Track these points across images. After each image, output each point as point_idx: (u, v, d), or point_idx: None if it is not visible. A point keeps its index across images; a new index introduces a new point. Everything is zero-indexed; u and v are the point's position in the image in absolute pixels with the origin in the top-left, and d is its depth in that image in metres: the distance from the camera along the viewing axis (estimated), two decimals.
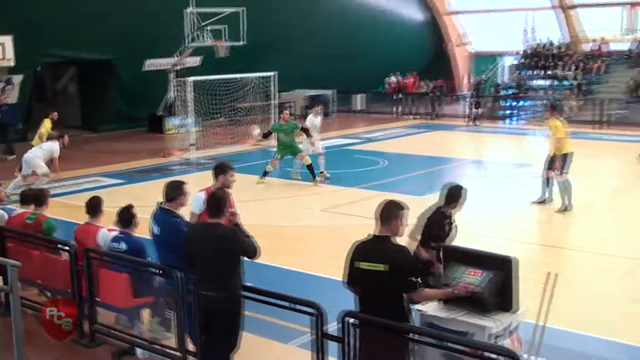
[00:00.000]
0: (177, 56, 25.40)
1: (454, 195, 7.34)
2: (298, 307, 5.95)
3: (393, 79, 34.61)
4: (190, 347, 6.67)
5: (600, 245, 11.52)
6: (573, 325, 7.85)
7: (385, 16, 35.47)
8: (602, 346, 7.54)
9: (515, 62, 34.88)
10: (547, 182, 14.11)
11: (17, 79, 23.05)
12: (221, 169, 7.60)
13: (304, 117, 21.24)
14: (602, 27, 33.56)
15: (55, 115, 17.99)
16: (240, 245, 6.15)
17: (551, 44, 34.58)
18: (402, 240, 5.73)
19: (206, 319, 6.12)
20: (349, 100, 33.34)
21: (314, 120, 17.75)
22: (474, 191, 16.15)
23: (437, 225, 7.25)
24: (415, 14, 37.72)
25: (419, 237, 7.26)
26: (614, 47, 33.06)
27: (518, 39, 35.34)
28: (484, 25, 37.58)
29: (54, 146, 15.60)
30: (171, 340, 7.00)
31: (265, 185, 16.44)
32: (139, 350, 7.38)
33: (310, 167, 16.47)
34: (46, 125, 17.22)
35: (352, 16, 33.14)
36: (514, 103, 31.50)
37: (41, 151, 15.53)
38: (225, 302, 6.06)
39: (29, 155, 15.44)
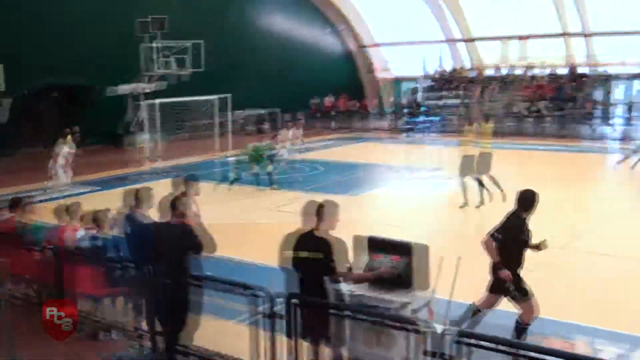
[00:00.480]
0: (147, 81, 25.04)
1: (528, 200, 6.49)
2: (250, 291, 5.92)
3: (328, 98, 34.75)
4: (157, 328, 6.56)
5: None
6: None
7: (323, 48, 35.82)
8: (501, 315, 7.65)
9: (427, 84, 35.38)
10: (480, 184, 13.74)
11: (7, 102, 22.39)
12: (191, 179, 7.67)
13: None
14: (500, 56, 34.33)
15: (75, 129, 17.89)
16: (194, 241, 6.11)
17: (455, 69, 35.16)
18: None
19: (167, 302, 6.05)
20: (292, 117, 33.33)
21: (296, 132, 18.84)
22: (399, 190, 16.52)
23: (515, 227, 6.49)
24: (346, 46, 38.01)
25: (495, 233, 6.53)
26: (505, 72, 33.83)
27: (430, 66, 35.89)
28: (402, 54, 37.83)
29: (64, 149, 16.59)
30: (141, 323, 6.90)
31: (223, 190, 16.27)
32: (113, 333, 7.24)
33: (270, 174, 16.45)
34: (68, 140, 17.02)
35: (294, 47, 33.19)
36: (426, 118, 32.00)
37: (63, 159, 16.50)
38: (181, 288, 6.01)
39: (56, 166, 16.47)
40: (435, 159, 23.01)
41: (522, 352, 4.46)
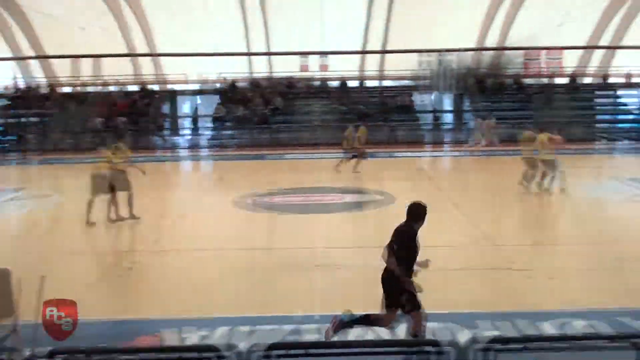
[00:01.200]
0: None
1: (420, 212, 5.99)
2: None
3: None
4: None
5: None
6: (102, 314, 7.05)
7: None
8: (151, 324, 6.83)
9: (4, 102, 31.86)
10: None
11: None
12: None
13: None
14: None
15: None
16: None
17: (30, 87, 32.48)
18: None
19: None
20: None
21: None
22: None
23: (409, 239, 5.91)
24: None
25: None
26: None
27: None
28: None
29: None
30: None
31: None
32: None
33: None
34: None
35: None
36: (2, 138, 28.87)
37: None
38: None
39: None
40: (16, 179, 20.90)
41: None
